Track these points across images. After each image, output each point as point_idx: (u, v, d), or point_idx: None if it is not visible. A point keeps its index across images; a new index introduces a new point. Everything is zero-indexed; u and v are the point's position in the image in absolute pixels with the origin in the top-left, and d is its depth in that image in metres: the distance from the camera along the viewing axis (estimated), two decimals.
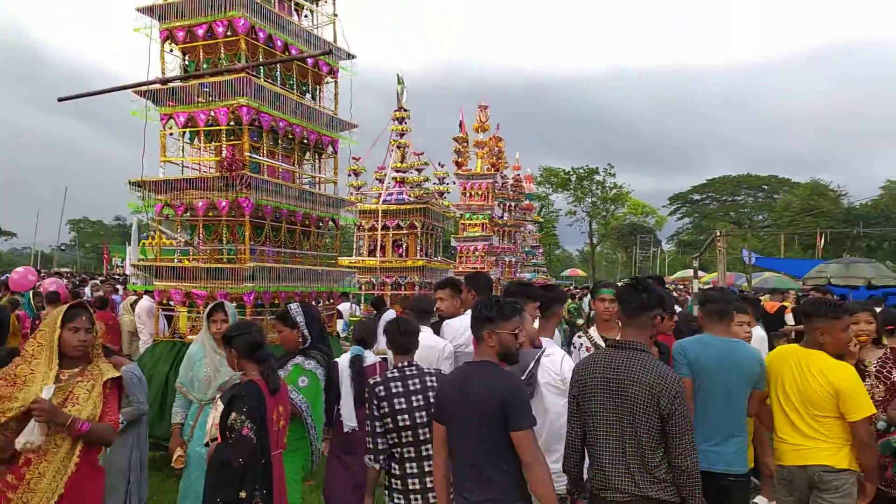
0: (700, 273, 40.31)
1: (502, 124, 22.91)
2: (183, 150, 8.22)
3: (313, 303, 8.32)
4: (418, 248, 12.78)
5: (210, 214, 7.71)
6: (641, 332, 3.11)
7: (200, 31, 7.85)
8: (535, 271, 30.77)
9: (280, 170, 8.29)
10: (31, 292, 10.44)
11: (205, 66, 7.95)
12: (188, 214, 7.87)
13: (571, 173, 69.40)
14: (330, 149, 9.29)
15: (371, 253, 13.05)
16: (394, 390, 3.51)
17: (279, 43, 8.22)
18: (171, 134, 8.09)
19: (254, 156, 7.72)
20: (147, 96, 7.89)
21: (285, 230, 8.18)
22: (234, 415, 3.06)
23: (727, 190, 74.02)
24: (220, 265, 7.45)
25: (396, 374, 3.60)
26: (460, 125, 21.90)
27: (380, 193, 13.32)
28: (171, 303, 7.78)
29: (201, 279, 7.48)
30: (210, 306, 5.15)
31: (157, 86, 7.79)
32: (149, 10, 7.84)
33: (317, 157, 9.29)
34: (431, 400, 3.45)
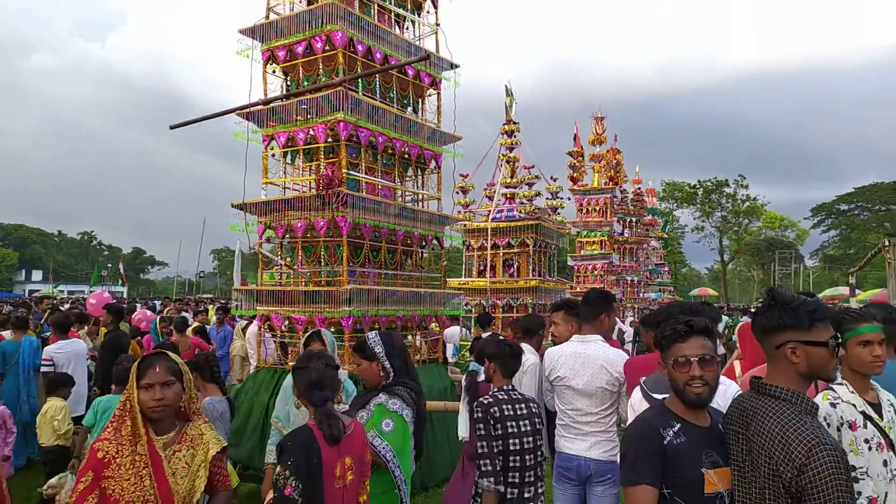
0: (842, 289, 35.87)
1: (619, 140, 21.57)
2: (285, 171, 8.08)
3: (398, 329, 7.79)
4: (531, 267, 11.98)
5: (309, 236, 7.44)
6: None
7: (300, 49, 7.69)
8: (660, 291, 28.73)
9: (380, 187, 7.90)
10: (157, 318, 10.79)
11: (305, 83, 7.77)
12: (288, 236, 7.67)
13: (698, 187, 65.32)
14: (433, 164, 8.81)
15: (481, 273, 12.41)
16: (507, 412, 3.56)
17: (378, 55, 7.89)
18: (273, 155, 7.98)
19: (351, 173, 7.37)
20: (251, 119, 7.83)
21: (385, 250, 7.74)
22: (278, 469, 2.48)
23: (880, 198, 66.15)
24: (318, 288, 7.12)
25: (505, 398, 3.65)
26: (575, 138, 20.90)
27: (489, 211, 12.70)
28: (273, 327, 7.57)
29: (299, 303, 7.18)
30: (307, 334, 4.73)
31: (260, 107, 7.70)
32: (250, 31, 7.81)
33: (419, 172, 8.86)
34: (538, 426, 3.63)
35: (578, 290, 19.51)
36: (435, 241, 8.82)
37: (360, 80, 7.80)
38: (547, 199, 13.17)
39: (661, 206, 58.49)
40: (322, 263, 7.38)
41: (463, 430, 4.69)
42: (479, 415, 3.56)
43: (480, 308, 12.26)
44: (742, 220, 66.83)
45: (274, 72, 8.12)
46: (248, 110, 7.69)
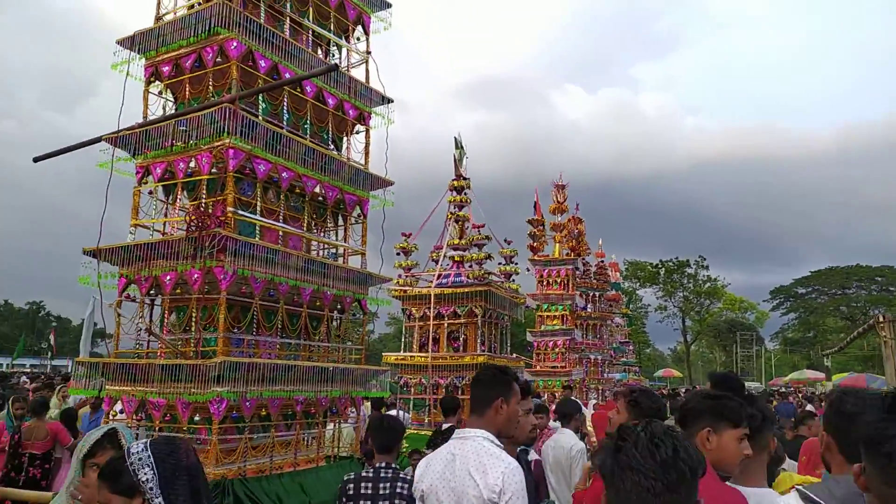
0: (809, 373, 34.76)
1: (581, 215, 20.63)
2: (165, 213, 6.46)
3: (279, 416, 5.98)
4: (479, 340, 10.33)
5: (179, 292, 5.76)
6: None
7: (188, 63, 6.26)
8: (625, 371, 27.20)
9: (282, 234, 6.32)
10: (11, 398, 8.68)
11: (193, 104, 6.29)
12: (154, 292, 5.97)
13: (660, 266, 65.43)
14: (357, 211, 7.31)
15: (422, 347, 10.70)
16: (362, 491, 3.39)
17: (289, 76, 6.50)
18: (151, 192, 6.38)
19: (241, 212, 5.80)
20: (120, 145, 6.27)
21: (285, 313, 6.07)
22: None
23: (836, 283, 67.12)
24: (180, 361, 5.35)
25: (371, 475, 3.50)
26: (535, 206, 19.75)
27: (434, 276, 11.14)
28: (122, 414, 5.72)
29: (156, 381, 5.39)
30: (86, 440, 2.92)
31: (134, 131, 6.16)
32: (129, 41, 6.37)
33: (338, 221, 7.34)
34: None
35: (538, 368, 17.86)
36: (356, 305, 7.18)
37: (261, 105, 6.36)
38: (500, 264, 11.71)
39: (625, 284, 58.06)
40: (192, 329, 5.66)
41: None
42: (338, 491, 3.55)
43: (420, 388, 10.49)
44: (704, 301, 66.81)
45: (161, 92, 6.65)
46: (117, 134, 6.12)
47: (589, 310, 21.61)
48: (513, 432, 3.00)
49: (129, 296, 5.95)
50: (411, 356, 10.53)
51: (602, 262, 24.89)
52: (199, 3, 6.26)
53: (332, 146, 7.33)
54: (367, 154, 7.47)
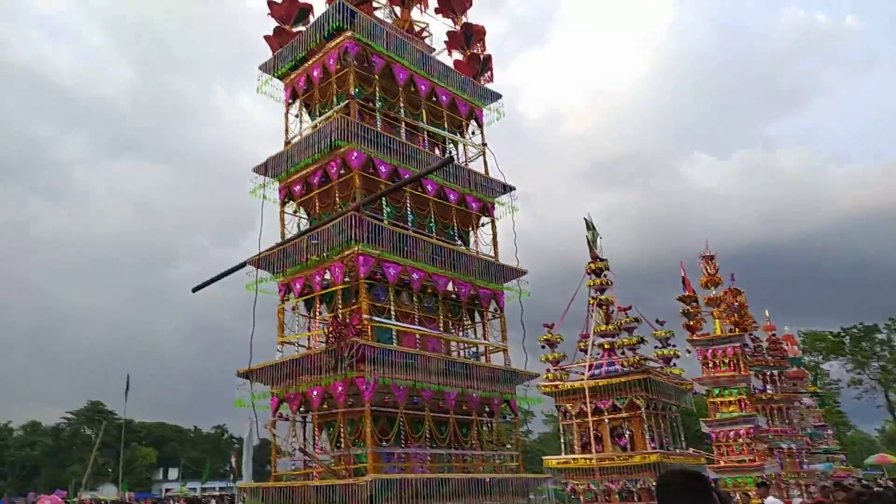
0: None
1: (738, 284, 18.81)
2: (308, 326, 6.51)
3: None
4: (647, 436, 9.21)
5: (325, 406, 5.61)
6: None
7: (315, 179, 6.52)
8: (828, 460, 23.34)
9: (419, 337, 6.08)
10: None
11: (323, 218, 6.46)
12: (303, 408, 5.87)
13: (842, 334, 57.76)
14: (493, 305, 6.96)
15: (585, 447, 9.73)
16: None
17: (408, 177, 6.53)
18: (294, 308, 6.49)
19: (377, 318, 5.66)
20: (265, 267, 6.52)
21: (430, 421, 5.69)
22: None
23: None
24: (334, 482, 5.07)
25: None
26: (684, 282, 18.35)
27: (585, 367, 10.32)
28: None
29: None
30: None
31: (273, 253, 6.40)
32: (263, 168, 6.79)
33: (475, 318, 7.01)
34: None
35: (722, 464, 15.74)
36: (506, 407, 6.66)
37: (385, 210, 6.39)
38: (655, 347, 10.67)
39: (805, 359, 51.75)
40: (340, 444, 5.42)
41: None
42: None
43: (590, 495, 9.41)
44: None
45: (295, 211, 6.95)
46: (258, 256, 6.39)
47: (769, 391, 19.07)
48: None
49: (282, 415, 5.90)
50: (574, 459, 9.58)
51: (774, 335, 22.27)
52: (321, 123, 6.60)
53: (458, 242, 7.18)
54: (495, 245, 7.22)
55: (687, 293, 18.08)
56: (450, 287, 6.54)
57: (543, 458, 10.04)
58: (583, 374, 10.26)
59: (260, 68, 7.49)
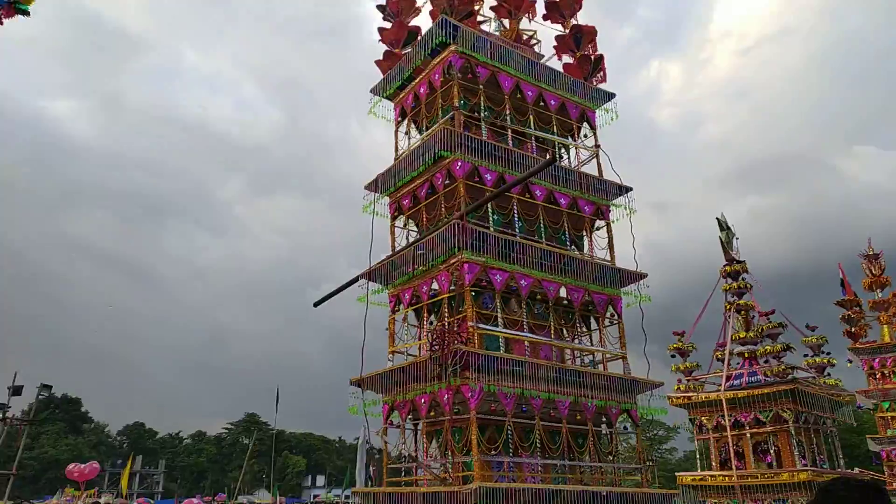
0: None
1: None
2: (419, 336, 6.62)
3: None
4: (796, 452, 8.32)
5: (433, 414, 5.65)
6: None
7: (423, 192, 6.64)
8: None
9: (529, 345, 5.96)
10: None
11: (430, 229, 6.56)
12: (412, 416, 5.96)
13: None
14: (610, 311, 6.66)
15: (724, 465, 8.98)
16: None
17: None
18: (404, 319, 6.64)
19: (482, 325, 5.62)
20: (376, 280, 6.74)
21: (541, 430, 5.53)
22: None
23: None
24: (439, 489, 5.09)
25: None
26: (843, 284, 16.52)
27: (723, 378, 9.54)
28: None
29: None
30: None
31: (383, 266, 6.60)
32: (374, 184, 7.03)
33: (590, 325, 6.74)
34: None
35: (895, 486, 13.88)
36: (626, 417, 6.33)
37: (492, 218, 6.35)
38: (805, 356, 9.62)
39: None
40: (447, 451, 5.43)
41: None
42: None
43: None
44: None
45: (405, 225, 7.13)
46: (370, 270, 6.61)
47: None
48: None
49: (393, 423, 6.05)
50: (711, 476, 8.87)
51: None
52: (426, 137, 6.73)
53: (572, 247, 6.97)
54: (611, 249, 6.93)
55: (847, 296, 16.28)
56: (563, 294, 6.36)
57: (677, 474, 9.41)
58: (719, 385, 9.52)
59: (371, 91, 7.81)
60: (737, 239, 10.63)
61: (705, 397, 9.20)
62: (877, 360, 15.66)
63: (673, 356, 10.08)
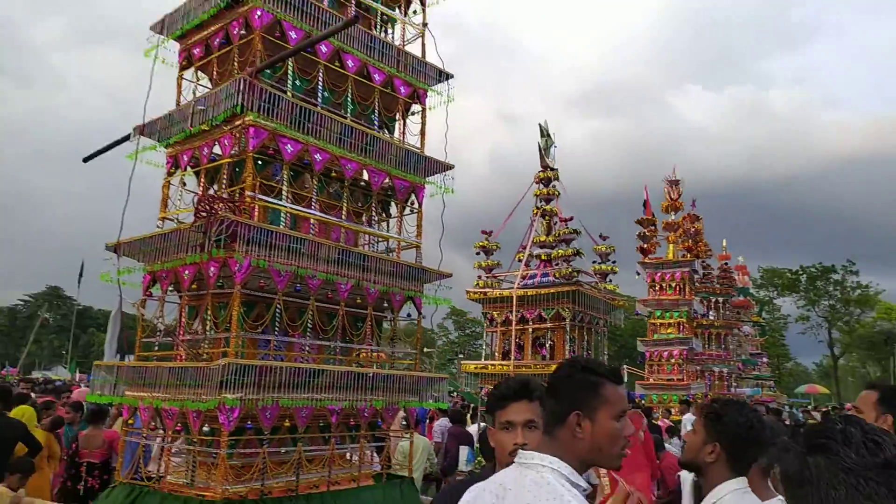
0: None
1: (707, 223, 18.56)
2: (194, 201, 6.00)
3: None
4: (568, 346, 9.14)
5: (195, 287, 5.23)
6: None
7: (216, 41, 5.79)
8: (757, 385, 24.31)
9: (316, 224, 5.64)
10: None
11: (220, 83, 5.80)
12: (173, 289, 5.49)
13: (800, 272, 59.25)
14: (411, 199, 6.51)
15: (506, 355, 9.68)
16: None
17: (325, 50, 5.84)
18: (182, 183, 5.95)
19: (262, 197, 5.18)
20: (150, 135, 5.91)
21: (315, 311, 5.36)
22: None
23: None
24: (187, 364, 4.77)
25: None
26: (644, 205, 18.10)
27: (521, 277, 10.09)
28: (139, 422, 5.24)
29: (166, 387, 4.85)
30: None
31: (160, 121, 5.78)
32: (159, 25, 6.03)
33: (388, 211, 6.57)
34: None
35: (651, 381, 16.13)
36: (410, 304, 6.36)
37: (293, 83, 5.73)
38: (594, 262, 10.45)
39: (759, 293, 53.09)
40: (207, 326, 5.10)
41: None
42: None
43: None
44: (853, 310, 59.57)
45: (198, 78, 6.24)
46: (144, 124, 5.76)
47: (711, 317, 19.42)
48: (609, 462, 1.76)
49: (152, 294, 5.52)
50: (492, 364, 9.54)
51: (726, 264, 22.46)
52: None
53: (382, 130, 6.59)
54: (422, 136, 6.65)
55: (646, 216, 17.86)
56: (365, 176, 6.03)
57: (462, 362, 9.99)
58: (515, 283, 10.06)
59: None
60: (555, 147, 10.97)
61: (498, 294, 9.69)
62: (658, 275, 17.58)
63: (478, 253, 10.42)
